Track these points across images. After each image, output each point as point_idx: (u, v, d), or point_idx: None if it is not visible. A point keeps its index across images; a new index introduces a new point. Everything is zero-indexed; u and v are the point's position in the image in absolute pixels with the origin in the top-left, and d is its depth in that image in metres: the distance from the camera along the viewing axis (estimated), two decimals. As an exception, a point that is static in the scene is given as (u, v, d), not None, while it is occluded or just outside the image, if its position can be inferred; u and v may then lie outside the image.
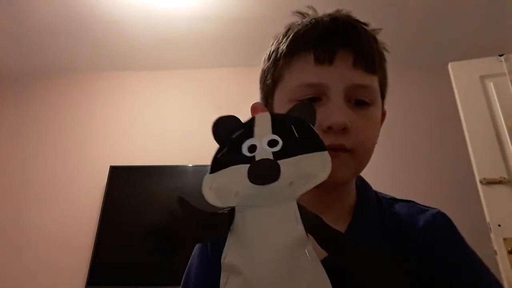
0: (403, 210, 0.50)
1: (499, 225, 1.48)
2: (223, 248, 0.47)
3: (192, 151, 2.24)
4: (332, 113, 0.43)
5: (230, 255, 0.25)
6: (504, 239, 1.45)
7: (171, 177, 2.18)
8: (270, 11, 2.01)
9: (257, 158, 0.28)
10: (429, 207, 0.51)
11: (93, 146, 2.36)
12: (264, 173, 0.26)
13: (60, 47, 2.36)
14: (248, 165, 0.27)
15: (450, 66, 1.87)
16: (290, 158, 0.27)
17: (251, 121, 0.31)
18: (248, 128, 0.31)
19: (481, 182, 1.59)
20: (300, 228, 0.24)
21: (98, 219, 2.07)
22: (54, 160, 2.33)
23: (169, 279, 1.80)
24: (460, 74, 1.83)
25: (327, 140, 0.40)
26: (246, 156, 0.28)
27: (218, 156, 0.30)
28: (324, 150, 0.27)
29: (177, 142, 2.32)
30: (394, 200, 0.53)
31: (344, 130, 0.43)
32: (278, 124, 0.30)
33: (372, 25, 0.51)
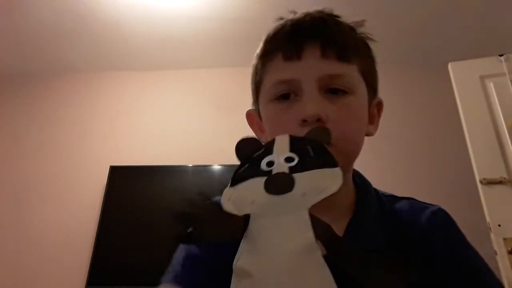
0: (404, 207, 0.50)
1: (499, 225, 1.48)
2: (213, 248, 0.46)
3: (192, 151, 2.25)
4: (305, 106, 0.43)
5: (242, 260, 0.27)
6: (504, 239, 1.45)
7: (171, 177, 2.18)
8: (270, 11, 2.01)
9: (274, 172, 0.30)
10: (429, 204, 0.51)
11: (93, 146, 2.36)
12: (279, 184, 0.29)
13: (60, 47, 2.36)
14: (265, 178, 0.30)
15: (450, 66, 1.87)
16: (304, 172, 0.29)
17: (271, 142, 0.34)
18: (268, 148, 0.34)
19: (481, 182, 1.59)
20: (310, 235, 0.25)
21: (98, 219, 2.07)
22: (54, 160, 2.33)
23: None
24: (460, 74, 1.83)
25: (303, 134, 0.41)
26: (264, 170, 0.31)
27: (239, 171, 0.33)
28: (336, 166, 0.30)
29: (177, 142, 2.32)
30: (394, 197, 0.53)
31: (320, 121, 0.42)
32: (296, 144, 0.33)
33: (365, 22, 0.51)
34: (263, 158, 0.32)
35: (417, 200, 0.52)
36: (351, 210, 0.49)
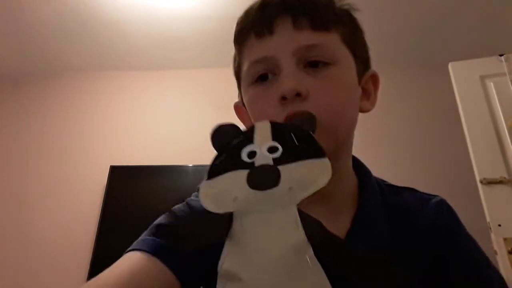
0: (408, 199, 0.49)
1: (499, 225, 1.48)
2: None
3: (192, 151, 2.24)
4: (283, 85, 0.40)
5: (228, 262, 0.25)
6: (505, 239, 1.45)
7: (171, 177, 2.18)
8: (270, 11, 2.01)
9: (256, 164, 0.27)
10: (430, 194, 0.50)
11: (93, 146, 2.36)
12: (263, 178, 0.26)
13: (60, 47, 2.36)
14: (247, 171, 0.27)
15: (450, 66, 1.86)
16: (290, 164, 0.27)
17: (251, 129, 0.31)
18: (247, 136, 0.30)
19: (481, 182, 1.59)
20: (300, 233, 0.24)
21: (98, 219, 2.07)
22: (54, 160, 2.33)
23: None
24: (461, 74, 1.83)
25: (284, 112, 0.40)
26: (246, 162, 0.28)
27: (216, 162, 0.30)
28: (324, 157, 0.27)
29: (177, 142, 2.32)
30: (395, 187, 0.52)
31: (300, 96, 0.40)
32: (278, 131, 0.30)
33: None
34: (242, 147, 0.29)
35: (417, 190, 0.51)
36: (353, 201, 0.47)
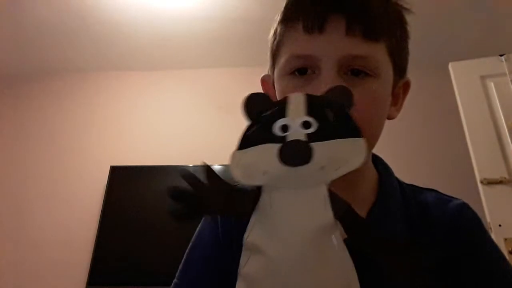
0: (428, 199, 0.48)
1: (500, 225, 1.48)
2: (235, 229, 0.43)
3: (192, 151, 2.24)
4: (320, 90, 0.37)
5: (253, 235, 0.25)
6: (505, 239, 1.45)
7: (171, 177, 2.17)
8: (270, 11, 2.00)
9: (289, 139, 0.27)
10: (453, 197, 0.49)
11: (93, 146, 2.36)
12: (295, 154, 0.25)
13: (60, 47, 2.36)
14: (279, 145, 0.26)
15: (450, 66, 1.86)
16: (324, 142, 0.26)
17: (285, 100, 0.30)
18: (281, 107, 0.29)
19: (481, 182, 1.59)
20: (328, 214, 0.23)
21: (99, 219, 2.07)
22: (55, 160, 2.33)
23: (170, 279, 1.80)
24: (461, 74, 1.83)
25: None
26: (278, 136, 0.27)
27: (248, 133, 0.29)
28: (360, 136, 0.26)
29: (177, 142, 2.31)
30: (417, 188, 0.51)
31: None
32: (313, 105, 0.29)
33: None
34: (275, 120, 0.28)
35: (440, 192, 0.50)
36: (372, 196, 0.47)
